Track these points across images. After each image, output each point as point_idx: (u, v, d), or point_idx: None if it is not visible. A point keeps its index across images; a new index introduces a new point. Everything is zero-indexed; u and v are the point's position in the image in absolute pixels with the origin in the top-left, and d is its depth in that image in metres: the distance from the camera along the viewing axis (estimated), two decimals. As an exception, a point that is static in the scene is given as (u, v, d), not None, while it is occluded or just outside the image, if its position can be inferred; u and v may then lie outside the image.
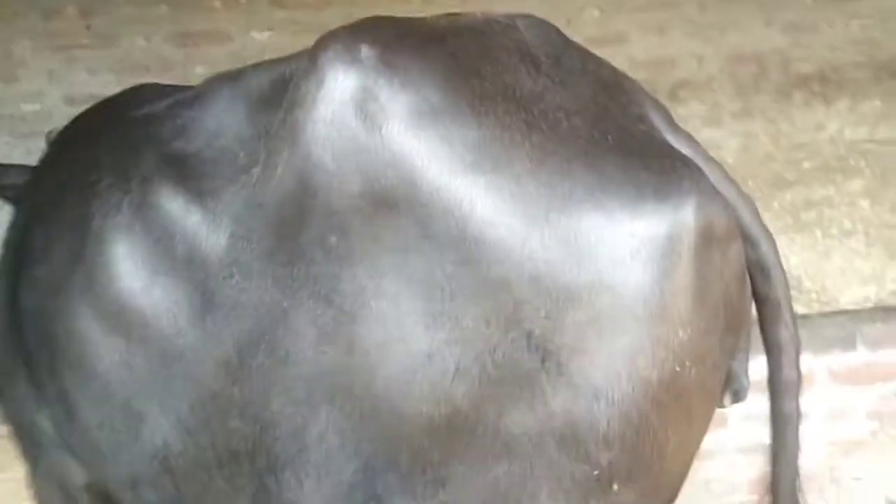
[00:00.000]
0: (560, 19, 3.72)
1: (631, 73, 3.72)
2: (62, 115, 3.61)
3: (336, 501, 1.52)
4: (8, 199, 2.46)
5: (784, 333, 1.57)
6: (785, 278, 1.56)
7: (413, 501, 1.45)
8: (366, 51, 1.44)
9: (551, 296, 1.32)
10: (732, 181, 1.50)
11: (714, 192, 1.38)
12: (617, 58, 3.74)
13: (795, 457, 1.74)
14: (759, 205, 3.55)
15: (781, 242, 3.90)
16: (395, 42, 1.47)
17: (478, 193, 1.34)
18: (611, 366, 1.32)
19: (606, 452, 1.35)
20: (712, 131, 4.05)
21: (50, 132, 2.46)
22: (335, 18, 3.59)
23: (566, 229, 1.32)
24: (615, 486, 1.38)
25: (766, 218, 3.44)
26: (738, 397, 1.58)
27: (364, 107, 1.40)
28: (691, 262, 1.31)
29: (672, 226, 1.31)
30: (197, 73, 3.74)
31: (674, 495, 1.55)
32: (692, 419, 1.45)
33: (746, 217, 1.47)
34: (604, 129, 1.43)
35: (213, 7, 3.74)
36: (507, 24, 1.57)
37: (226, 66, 3.63)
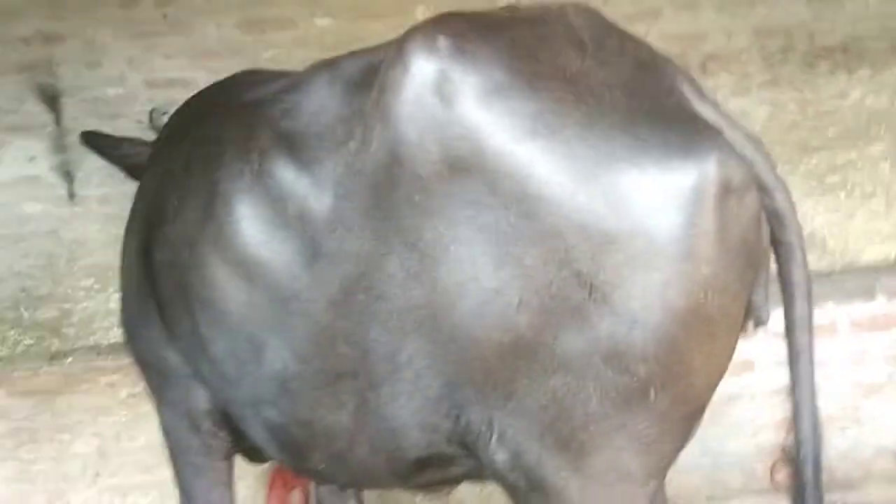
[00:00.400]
0: (598, -2, 3.96)
1: (663, 47, 3.96)
2: (144, 98, 3.98)
3: (424, 412, 1.85)
4: (124, 167, 2.84)
5: (797, 272, 1.83)
6: (797, 224, 1.81)
7: (487, 410, 1.77)
8: (442, 41, 1.75)
9: (596, 240, 1.62)
10: (753, 140, 1.76)
11: (731, 150, 1.66)
12: (651, 32, 4.04)
13: (812, 387, 1.95)
14: (785, 169, 3.82)
15: (807, 205, 4.18)
16: (466, 33, 1.78)
17: (535, 157, 1.65)
18: (646, 297, 1.62)
19: (643, 366, 1.65)
20: (741, 100, 4.27)
21: (154, 110, 2.81)
22: (389, 5, 3.90)
23: (608, 184, 1.62)
24: (651, 394, 1.69)
25: (793, 182, 3.76)
26: (759, 322, 1.86)
27: (441, 88, 1.71)
28: (713, 209, 1.60)
29: (696, 179, 1.59)
30: (264, 58, 4.04)
31: (703, 403, 1.84)
32: (716, 339, 1.74)
33: (763, 171, 1.73)
34: (640, 100, 1.71)
35: (279, -5, 4.05)
36: (559, 13, 1.86)
37: (291, 50, 3.98)
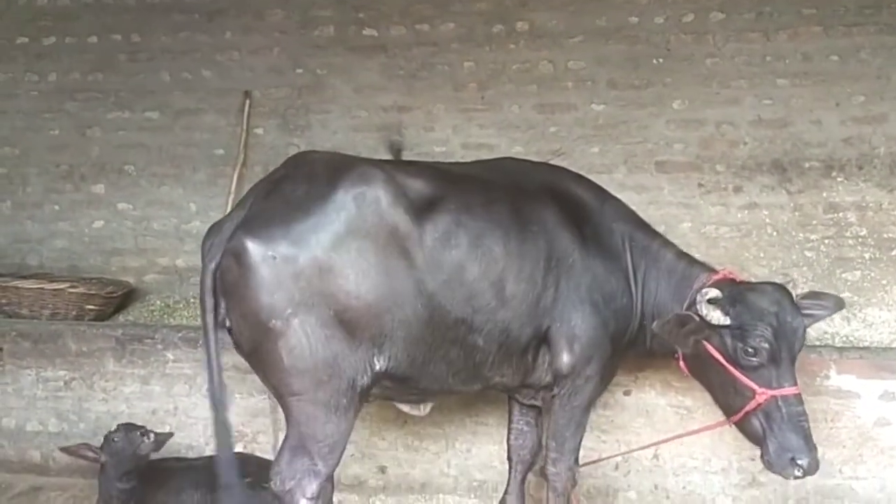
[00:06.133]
0: (831, 102, 4.82)
1: (887, 147, 4.79)
2: (458, 155, 5.38)
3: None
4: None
5: None
6: None
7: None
8: None
9: None
10: None
11: None
12: (875, 134, 4.73)
13: None
14: None
15: None
16: None
17: None
18: None
19: None
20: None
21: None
22: (652, 98, 4.94)
23: None
24: None
25: None
26: None
27: None
28: None
29: None
30: (550, 132, 5.29)
31: None
32: None
33: None
34: None
35: (566, 87, 5.26)
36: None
37: (572, 128, 5.17)
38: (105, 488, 4.05)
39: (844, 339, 4.75)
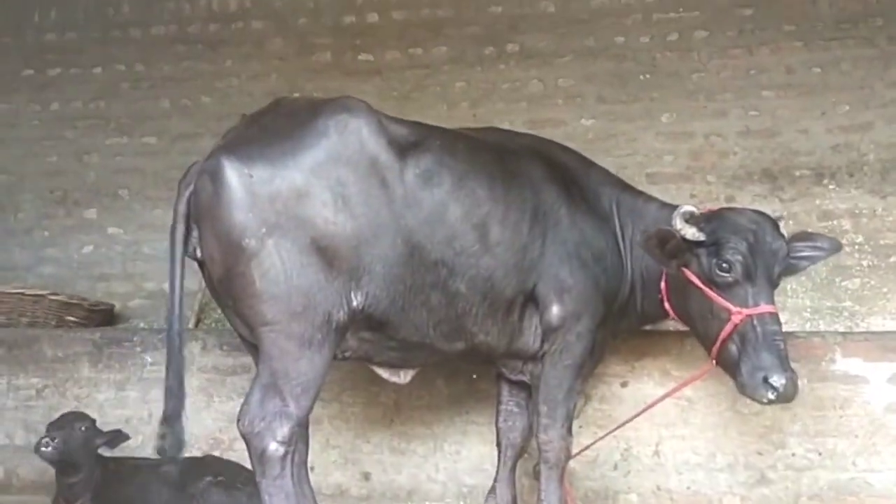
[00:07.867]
0: (817, 112, 4.89)
1: (876, 154, 4.83)
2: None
3: None
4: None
5: None
6: None
7: None
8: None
9: None
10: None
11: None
12: (863, 142, 4.76)
13: None
14: None
15: None
16: None
17: None
18: None
19: None
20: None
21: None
22: (639, 112, 5.02)
23: None
24: None
25: None
26: None
27: None
28: None
29: None
30: (541, 146, 5.36)
31: None
32: None
33: None
34: None
35: (556, 103, 5.38)
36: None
37: (562, 142, 5.14)
38: (57, 482, 3.83)
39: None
